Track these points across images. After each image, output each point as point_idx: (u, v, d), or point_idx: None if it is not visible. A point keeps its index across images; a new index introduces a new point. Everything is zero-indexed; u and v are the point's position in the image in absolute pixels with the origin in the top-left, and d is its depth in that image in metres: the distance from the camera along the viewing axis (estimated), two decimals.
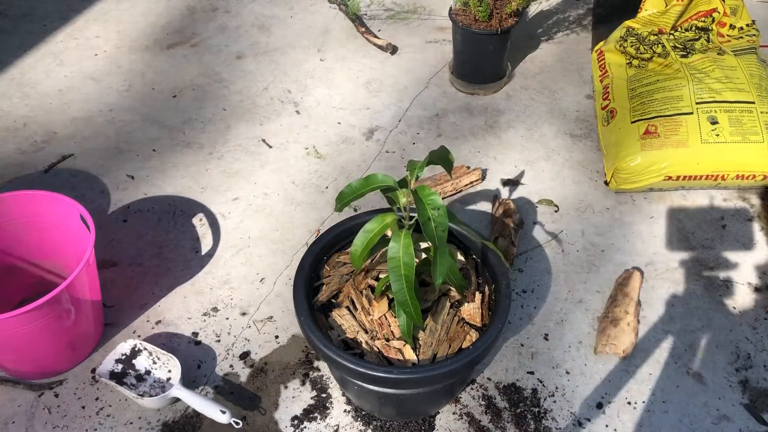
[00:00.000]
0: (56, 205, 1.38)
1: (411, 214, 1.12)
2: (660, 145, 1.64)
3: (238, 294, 1.54)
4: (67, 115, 2.00)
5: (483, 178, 1.79)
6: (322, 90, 2.08)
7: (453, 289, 1.22)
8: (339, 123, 1.96)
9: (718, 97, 1.68)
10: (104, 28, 2.33)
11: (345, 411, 1.33)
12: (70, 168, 1.83)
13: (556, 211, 1.70)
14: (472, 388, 1.37)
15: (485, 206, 1.73)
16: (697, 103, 1.68)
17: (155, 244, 1.64)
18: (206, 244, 1.64)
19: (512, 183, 1.78)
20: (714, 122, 1.65)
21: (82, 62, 2.18)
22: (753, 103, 1.67)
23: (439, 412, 1.32)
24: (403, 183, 1.08)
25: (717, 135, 1.63)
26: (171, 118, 1.99)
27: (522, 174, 1.81)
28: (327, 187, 1.78)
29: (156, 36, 2.29)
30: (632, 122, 1.71)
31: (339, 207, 1.07)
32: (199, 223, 1.69)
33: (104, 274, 1.57)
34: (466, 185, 1.75)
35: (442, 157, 1.11)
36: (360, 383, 1.13)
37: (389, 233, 1.14)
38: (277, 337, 1.46)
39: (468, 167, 1.79)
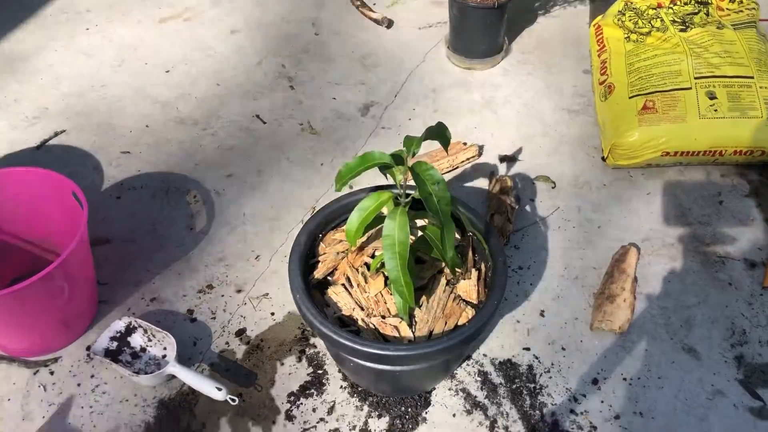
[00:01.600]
0: (49, 182, 1.37)
1: (407, 192, 1.11)
2: (658, 121, 1.64)
3: (233, 271, 1.53)
4: (59, 90, 1.98)
5: (480, 154, 1.78)
6: (317, 65, 2.07)
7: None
8: (334, 98, 1.95)
9: (716, 71, 1.66)
10: (95, 1, 2.30)
11: (341, 387, 1.33)
12: (62, 144, 1.82)
13: (553, 188, 1.70)
14: (468, 365, 1.37)
15: (482, 183, 1.72)
16: (695, 78, 1.66)
17: (149, 221, 1.64)
18: (201, 221, 1.64)
19: (509, 159, 1.78)
20: (712, 97, 1.63)
21: (74, 37, 2.16)
22: (752, 78, 1.65)
23: (435, 388, 1.33)
24: (399, 160, 1.07)
25: (715, 110, 1.62)
26: (164, 94, 1.98)
27: (519, 150, 1.80)
28: (322, 164, 1.78)
29: (148, 10, 2.26)
30: (630, 97, 1.70)
31: (338, 187, 1.06)
32: (193, 200, 1.69)
33: (98, 251, 1.56)
34: (463, 162, 1.75)
35: (439, 134, 1.10)
36: (356, 360, 1.13)
37: (385, 211, 1.14)
38: (273, 314, 1.46)
39: (464, 143, 1.78)
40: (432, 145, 1.76)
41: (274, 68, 2.05)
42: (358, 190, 1.31)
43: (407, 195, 1.11)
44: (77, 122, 1.88)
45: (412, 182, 1.08)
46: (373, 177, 1.66)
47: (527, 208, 1.67)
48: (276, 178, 1.74)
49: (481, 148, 1.80)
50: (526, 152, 1.79)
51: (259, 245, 1.59)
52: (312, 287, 1.22)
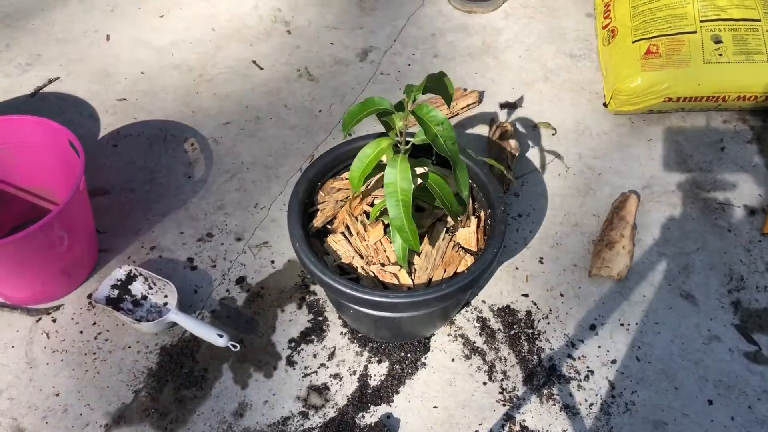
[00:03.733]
0: (44, 130, 1.35)
1: (407, 139, 1.10)
2: (661, 66, 1.61)
3: (232, 219, 1.53)
4: (51, 36, 1.95)
5: (480, 100, 1.77)
6: (314, 8, 2.03)
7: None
8: (332, 43, 1.92)
9: (723, 14, 1.63)
10: None
11: (341, 333, 1.34)
12: (57, 92, 1.80)
13: (553, 134, 1.69)
14: (466, 311, 1.38)
15: (482, 130, 1.71)
16: (701, 21, 1.63)
17: (147, 170, 1.63)
18: (199, 170, 1.63)
19: (510, 106, 1.76)
20: (718, 41, 1.60)
21: None
22: (759, 20, 1.62)
23: (434, 334, 1.34)
24: (399, 106, 1.06)
25: (720, 55, 1.59)
26: (158, 39, 1.94)
27: (520, 96, 1.79)
28: (320, 111, 1.76)
29: None
30: (633, 42, 1.67)
31: (346, 132, 1.06)
32: (191, 147, 1.68)
33: (96, 200, 1.56)
34: (463, 108, 1.74)
35: (439, 86, 1.08)
36: (356, 307, 1.13)
37: (385, 159, 1.13)
38: (273, 262, 1.46)
39: (465, 89, 1.77)
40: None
41: (270, 12, 2.01)
42: (356, 137, 1.30)
43: (407, 142, 1.10)
44: (71, 69, 1.86)
45: (411, 129, 1.08)
46: (371, 124, 1.68)
47: (528, 155, 1.66)
48: (274, 125, 1.73)
49: (481, 94, 1.79)
50: (527, 98, 1.78)
51: (257, 193, 1.59)
52: (311, 236, 1.22)
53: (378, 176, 1.25)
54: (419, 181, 1.16)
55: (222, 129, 1.73)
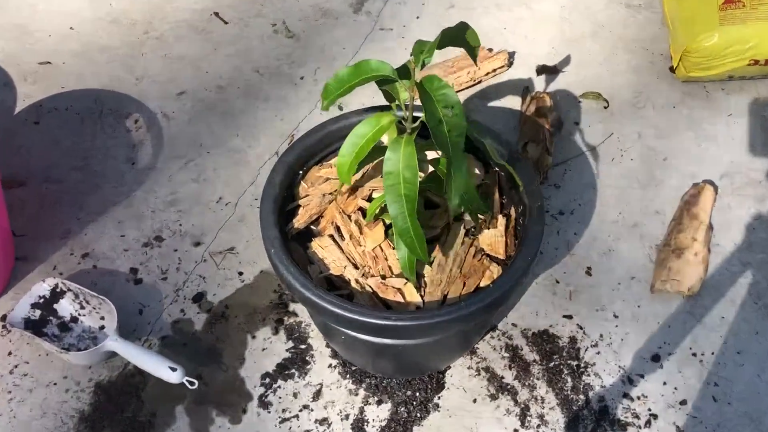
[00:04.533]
0: None
1: (415, 114, 1.11)
2: (744, 18, 1.62)
3: (188, 218, 1.55)
4: None
5: (510, 64, 1.78)
6: None
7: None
8: None
9: None
10: None
11: (330, 366, 1.36)
12: None
13: (605, 108, 1.71)
14: (492, 337, 1.38)
15: (512, 102, 1.71)
16: None
17: (78, 154, 1.64)
18: (145, 154, 1.65)
19: (548, 70, 1.78)
20: None
21: None
22: None
23: (450, 367, 1.35)
24: (404, 72, 1.06)
25: None
26: None
27: (562, 58, 1.80)
28: (302, 78, 1.77)
29: None
30: None
31: (325, 105, 1.06)
32: (135, 125, 1.69)
33: (11, 193, 1.56)
34: (488, 74, 1.75)
35: (460, 38, 1.07)
36: (349, 332, 1.14)
37: (385, 140, 1.14)
38: (240, 273, 1.47)
39: (490, 49, 1.78)
40: (447, 53, 1.74)
41: None
42: (350, 112, 1.30)
43: (415, 119, 1.10)
44: None
45: (420, 102, 1.08)
46: (368, 95, 1.69)
47: (572, 135, 1.66)
48: (242, 96, 1.74)
49: (511, 55, 1.80)
50: (572, 61, 1.80)
51: (221, 185, 1.59)
52: (291, 239, 1.23)
53: (377, 162, 1.24)
54: (430, 169, 1.17)
55: (175, 101, 1.73)
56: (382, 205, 1.18)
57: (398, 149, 1.06)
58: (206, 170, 1.62)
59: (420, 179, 1.08)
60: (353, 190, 1.27)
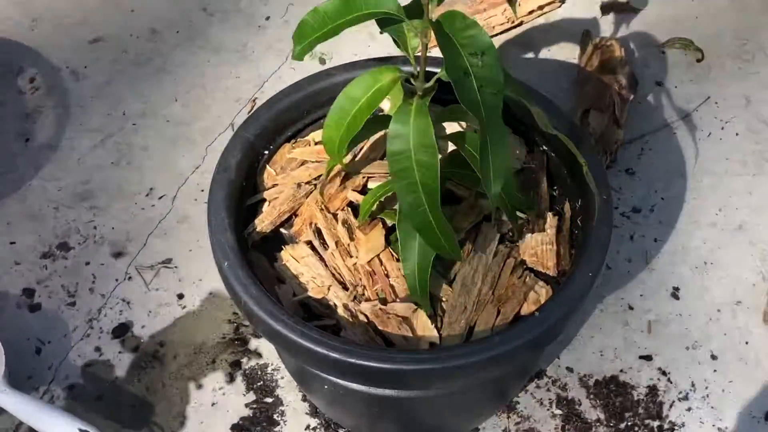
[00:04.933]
0: None
1: (430, 69, 1.03)
2: None
3: (106, 219, 1.48)
4: None
5: None
6: None
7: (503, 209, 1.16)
8: None
9: None
10: None
11: (308, 429, 1.27)
12: None
13: (699, 60, 1.65)
14: (538, 387, 1.30)
15: (567, 52, 1.68)
16: None
17: None
18: (45, 126, 1.60)
19: (618, 8, 1.73)
20: None
21: None
22: None
23: (478, 430, 1.27)
24: (415, 9, 1.00)
25: None
26: None
27: None
28: (268, 18, 1.73)
29: None
30: None
31: (298, 52, 1.01)
32: (30, 86, 1.64)
33: None
34: (532, 13, 1.70)
35: None
36: (334, 379, 1.08)
37: (388, 105, 1.15)
38: (180, 296, 1.40)
39: None
40: None
41: None
42: (336, 66, 1.27)
43: (429, 76, 1.03)
44: None
45: (437, 52, 0.99)
46: (362, 41, 1.69)
47: (650, 98, 1.61)
48: (184, 44, 1.71)
49: None
50: None
51: (153, 171, 1.55)
52: (252, 248, 1.18)
53: (374, 138, 1.21)
54: (450, 147, 1.14)
55: (87, 52, 1.69)
56: (382, 198, 1.14)
57: (407, 119, 1.00)
58: (132, 150, 1.58)
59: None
60: (342, 176, 1.23)
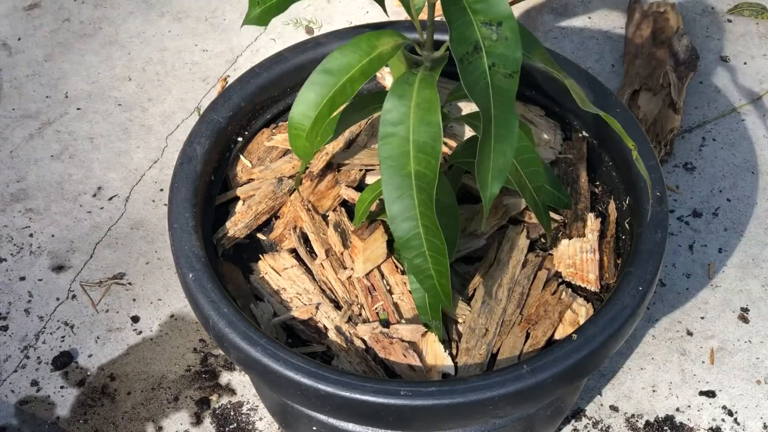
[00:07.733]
0: None
1: (437, 38, 1.00)
2: None
3: (45, 224, 1.44)
4: None
5: None
6: None
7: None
8: None
9: None
10: None
11: None
12: None
13: None
14: (576, 429, 1.25)
15: (611, 20, 1.67)
16: None
17: None
18: None
19: None
20: None
21: None
22: None
23: None
24: None
25: None
26: None
27: None
28: None
29: None
30: None
31: (258, 13, 0.97)
32: None
33: None
34: None
35: None
36: (325, 418, 1.08)
37: (384, 77, 1.19)
38: (135, 319, 1.34)
39: None
40: None
41: None
42: (326, 34, 1.24)
43: (437, 45, 1.00)
44: None
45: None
46: (359, 6, 1.71)
47: (713, 78, 1.58)
48: (138, 11, 1.70)
49: None
50: None
51: (102, 166, 1.52)
52: (223, 257, 1.15)
53: (370, 120, 1.20)
54: (467, 133, 1.20)
55: (21, 18, 1.68)
56: (382, 196, 1.05)
57: (407, 92, 0.93)
58: (76, 140, 1.54)
59: (447, 152, 1.12)
60: (333, 168, 1.22)
